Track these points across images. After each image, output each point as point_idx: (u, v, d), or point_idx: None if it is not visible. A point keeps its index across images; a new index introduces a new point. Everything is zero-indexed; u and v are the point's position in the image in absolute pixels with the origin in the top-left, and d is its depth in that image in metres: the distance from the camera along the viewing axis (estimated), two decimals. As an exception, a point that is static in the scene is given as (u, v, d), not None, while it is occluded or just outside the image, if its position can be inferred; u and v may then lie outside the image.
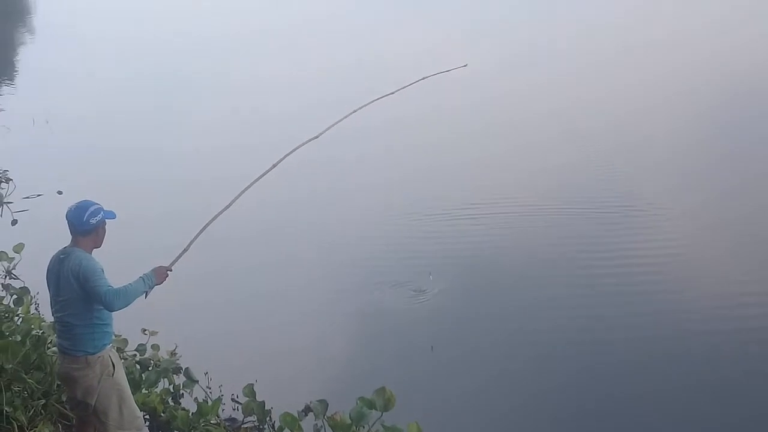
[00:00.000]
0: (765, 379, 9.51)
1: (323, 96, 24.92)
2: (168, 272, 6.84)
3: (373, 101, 8.85)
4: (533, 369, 10.04)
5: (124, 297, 6.49)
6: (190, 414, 7.87)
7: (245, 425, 8.09)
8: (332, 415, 7.30)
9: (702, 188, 16.69)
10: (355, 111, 8.71)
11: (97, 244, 6.77)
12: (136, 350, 8.82)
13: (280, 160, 7.84)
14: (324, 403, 7.47)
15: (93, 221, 6.63)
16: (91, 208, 6.66)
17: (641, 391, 9.42)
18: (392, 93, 9.26)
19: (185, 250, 7.11)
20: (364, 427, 7.29)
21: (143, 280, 6.67)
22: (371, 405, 7.30)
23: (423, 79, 9.53)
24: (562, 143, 20.27)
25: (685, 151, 19.61)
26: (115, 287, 6.50)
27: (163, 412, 8.05)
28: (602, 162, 18.77)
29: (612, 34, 35.71)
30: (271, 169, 7.80)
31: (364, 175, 18.73)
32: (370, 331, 10.93)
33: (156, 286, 6.76)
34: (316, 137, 8.13)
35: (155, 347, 8.84)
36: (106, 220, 6.76)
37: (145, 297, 6.72)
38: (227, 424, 8.20)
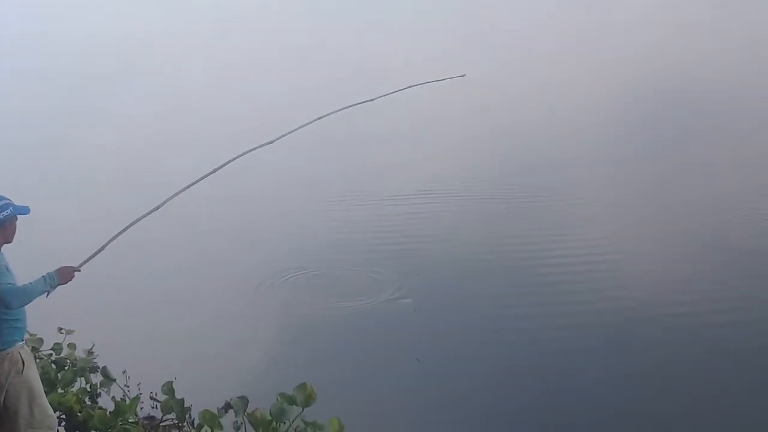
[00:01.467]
0: (685, 366, 9.74)
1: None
2: (75, 272, 6.68)
3: (337, 110, 8.54)
4: (457, 363, 10.15)
5: (22, 295, 6.36)
6: (108, 413, 7.76)
7: (164, 423, 8.01)
8: (252, 411, 7.31)
9: (628, 181, 17.20)
10: (317, 119, 8.35)
11: (7, 239, 6.61)
12: (52, 349, 8.64)
13: (222, 166, 7.54)
14: (244, 400, 7.47)
15: (0, 216, 6.48)
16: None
17: (567, 382, 9.55)
18: (370, 100, 8.94)
19: (99, 251, 6.95)
20: (284, 422, 7.32)
21: (45, 279, 6.51)
22: (292, 401, 7.34)
23: (408, 87, 9.31)
24: (490, 137, 20.71)
25: (611, 145, 20.18)
26: (14, 285, 6.37)
27: (80, 412, 7.92)
28: (532, 155, 19.25)
29: (540, 30, 36.42)
30: (210, 174, 7.58)
31: (285, 174, 18.71)
32: (291, 329, 10.94)
33: (60, 286, 6.59)
34: (270, 143, 7.80)
35: (71, 346, 8.68)
36: (18, 215, 6.61)
37: (47, 296, 6.57)
38: (146, 422, 8.10)
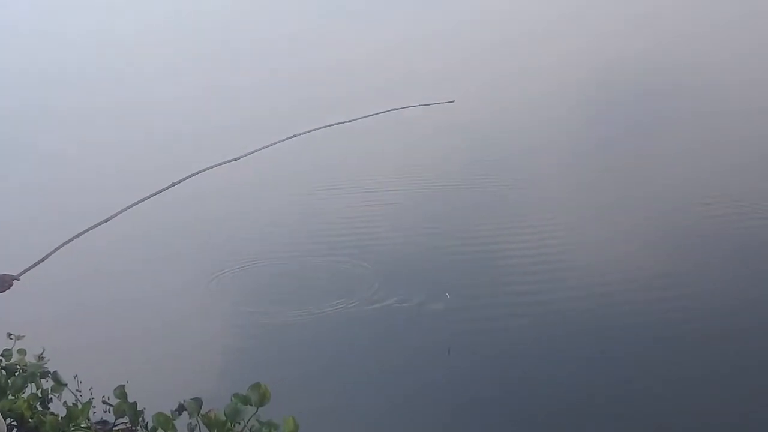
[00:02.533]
0: (638, 351, 9.89)
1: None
2: (14, 281, 6.55)
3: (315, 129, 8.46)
4: (415, 360, 10.21)
5: None
6: (60, 418, 7.69)
7: (117, 427, 7.97)
8: (206, 412, 7.29)
9: (584, 170, 17.47)
10: (290, 137, 8.23)
11: None
12: (1, 355, 8.51)
13: (182, 180, 7.41)
14: (198, 401, 7.44)
15: None
16: None
17: (529, 370, 9.66)
18: (348, 121, 8.86)
19: (41, 261, 6.82)
20: (239, 423, 7.32)
21: None
22: (246, 401, 7.33)
23: (394, 109, 9.24)
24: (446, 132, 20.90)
25: (568, 135, 20.48)
26: None
27: (32, 418, 7.83)
28: (492, 145, 19.47)
29: (497, 23, 36.75)
30: (169, 187, 7.48)
31: (235, 177, 18.61)
32: (245, 330, 10.92)
33: None
34: (236, 159, 7.65)
35: (21, 351, 8.56)
36: None
37: None
38: (98, 427, 8.05)
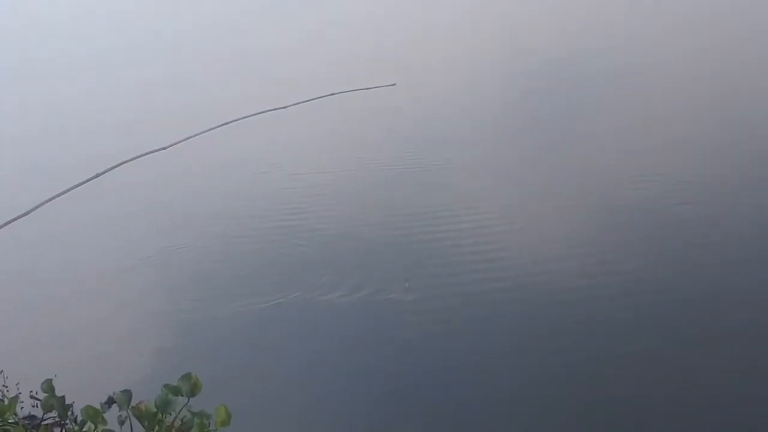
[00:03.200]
0: (579, 329, 10.04)
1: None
2: None
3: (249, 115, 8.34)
4: (350, 347, 10.28)
5: None
6: (-15, 415, 7.54)
7: (45, 422, 7.85)
8: (137, 404, 7.26)
9: (522, 151, 17.73)
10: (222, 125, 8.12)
11: None
12: None
13: (107, 170, 7.29)
14: (128, 393, 7.41)
15: None
16: None
17: (464, 353, 9.79)
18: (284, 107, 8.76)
19: None
20: (170, 414, 7.30)
21: None
22: (177, 391, 7.32)
23: (331, 94, 9.14)
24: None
25: (503, 117, 20.77)
26: None
27: (-45, 415, 7.66)
28: (428, 128, 19.62)
29: (431, 7, 36.90)
30: (93, 178, 7.35)
31: (171, 168, 18.42)
32: (175, 321, 10.83)
33: None
34: (164, 148, 7.53)
35: (-57, 349, 8.38)
36: None
37: None
38: (26, 422, 7.92)
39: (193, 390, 7.36)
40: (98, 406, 7.34)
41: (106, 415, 7.29)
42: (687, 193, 13.83)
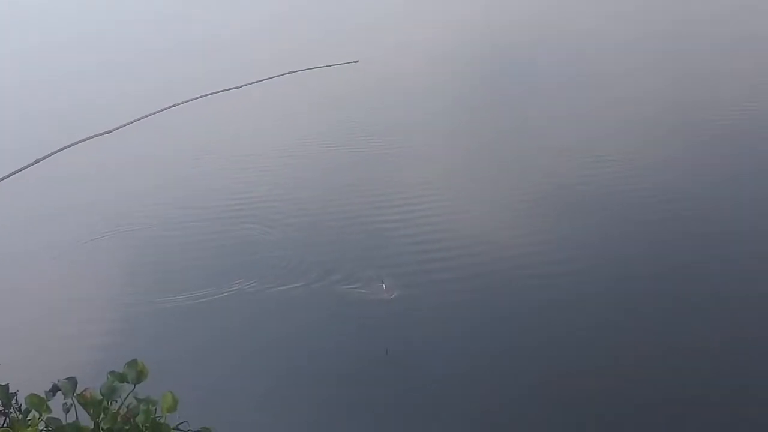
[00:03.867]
0: (531, 311, 10.07)
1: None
2: None
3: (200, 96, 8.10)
4: (304, 331, 10.22)
5: None
6: (-75, 405, 7.41)
7: (-11, 411, 7.74)
8: (82, 392, 7.21)
9: (469, 137, 17.85)
10: (173, 105, 7.88)
11: None
12: None
13: (50, 155, 7.08)
14: (73, 381, 7.35)
15: None
16: None
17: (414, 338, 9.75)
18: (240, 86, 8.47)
19: None
20: (116, 401, 7.27)
21: None
22: (123, 378, 7.29)
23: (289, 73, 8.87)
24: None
25: (453, 104, 20.89)
26: None
27: None
28: (380, 114, 19.68)
29: None
30: (33, 164, 7.17)
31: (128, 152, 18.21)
32: (123, 308, 10.73)
33: None
34: (108, 132, 7.30)
35: None
36: None
37: None
38: (-32, 412, 7.80)
39: (140, 377, 7.33)
40: (42, 395, 7.28)
41: (50, 403, 7.23)
42: (642, 173, 14.06)
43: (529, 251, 11.32)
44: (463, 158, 15.82)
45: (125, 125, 7.31)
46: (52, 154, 6.76)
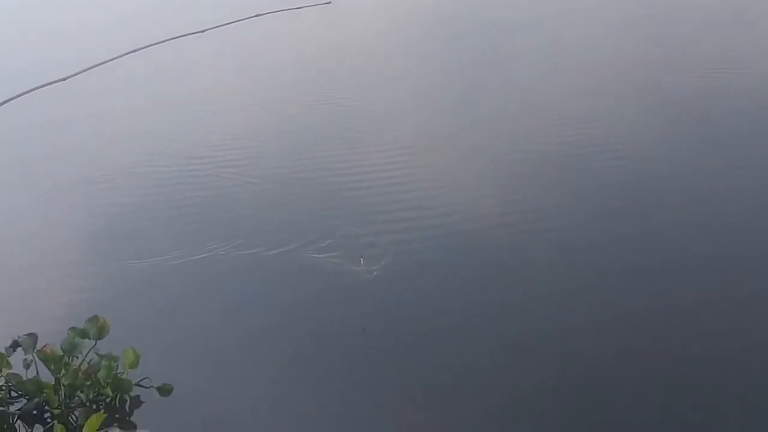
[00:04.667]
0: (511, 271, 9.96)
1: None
2: None
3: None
4: (263, 294, 10.05)
5: None
6: None
7: (-53, 367, 7.70)
8: (42, 347, 7.21)
9: (436, 99, 17.79)
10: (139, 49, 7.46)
11: None
12: None
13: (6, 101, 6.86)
14: (33, 337, 7.33)
15: None
16: None
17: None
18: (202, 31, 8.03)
19: None
20: (77, 357, 7.28)
21: None
22: (84, 334, 7.30)
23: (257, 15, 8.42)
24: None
25: (419, 64, 20.82)
26: None
27: None
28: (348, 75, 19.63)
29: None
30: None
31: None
32: (82, 260, 10.59)
33: None
34: (63, 79, 6.95)
35: None
36: None
37: None
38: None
39: (101, 332, 7.34)
40: (2, 350, 7.27)
41: (10, 359, 7.22)
42: (616, 138, 14.15)
43: (505, 210, 11.38)
44: (435, 116, 15.78)
45: (82, 72, 6.95)
46: (5, 102, 6.53)
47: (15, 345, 7.34)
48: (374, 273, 9.38)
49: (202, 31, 7.80)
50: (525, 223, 10.78)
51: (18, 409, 7.12)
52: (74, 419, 7.00)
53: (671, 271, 9.21)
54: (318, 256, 9.98)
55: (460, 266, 9.72)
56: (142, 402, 7.32)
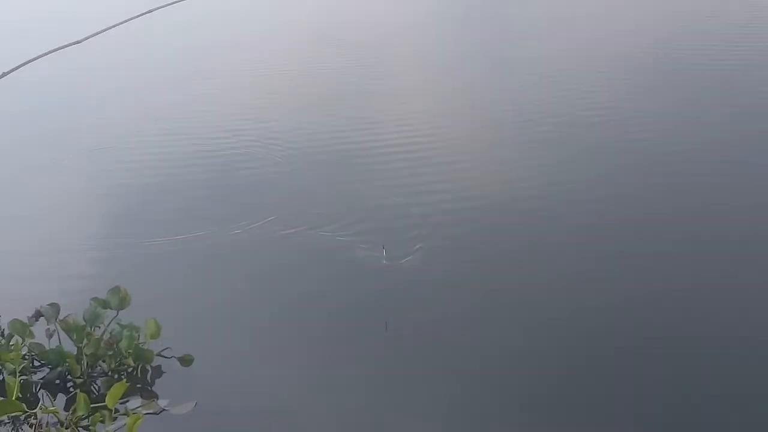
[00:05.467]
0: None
1: None
2: None
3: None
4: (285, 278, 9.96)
5: None
6: None
7: (-29, 336, 7.77)
8: (65, 318, 7.25)
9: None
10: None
11: None
12: None
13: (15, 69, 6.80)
14: (56, 307, 7.37)
15: None
16: None
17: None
18: None
19: None
20: (99, 327, 7.32)
21: None
22: (106, 305, 7.33)
23: None
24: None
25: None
26: None
27: None
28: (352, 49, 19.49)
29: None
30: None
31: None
32: (103, 231, 10.59)
33: None
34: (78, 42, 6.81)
35: None
36: None
37: None
38: (-49, 336, 7.83)
39: (122, 303, 7.37)
40: (25, 320, 7.32)
41: (33, 329, 7.28)
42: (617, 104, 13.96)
43: (510, 187, 11.27)
44: (462, 94, 15.59)
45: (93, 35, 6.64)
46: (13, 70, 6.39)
47: (37, 315, 7.39)
48: (393, 262, 9.25)
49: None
50: (556, 203, 10.62)
51: (41, 378, 7.18)
52: (96, 388, 7.04)
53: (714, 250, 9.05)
54: (342, 238, 9.90)
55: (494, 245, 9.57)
56: (163, 372, 7.35)
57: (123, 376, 7.06)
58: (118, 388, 6.15)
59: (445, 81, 16.78)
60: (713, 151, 12.07)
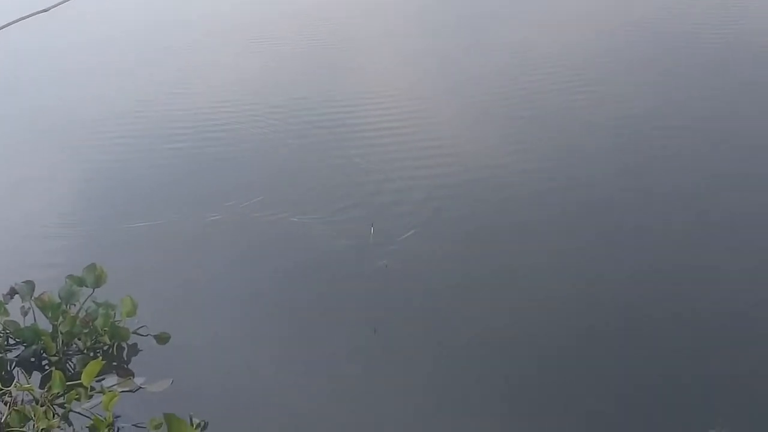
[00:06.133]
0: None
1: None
2: None
3: None
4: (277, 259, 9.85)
5: None
6: None
7: (-55, 314, 7.71)
8: (40, 295, 7.21)
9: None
10: None
11: None
12: None
13: None
14: (30, 284, 7.32)
15: None
16: None
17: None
18: None
19: None
20: (74, 305, 7.29)
21: None
22: (81, 282, 7.31)
23: None
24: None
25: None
26: None
27: None
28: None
29: None
30: None
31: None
32: (79, 210, 10.51)
33: None
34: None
35: None
36: None
37: None
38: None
39: (98, 281, 7.34)
40: (0, 298, 7.27)
41: (8, 307, 7.23)
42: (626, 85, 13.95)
43: (493, 160, 11.26)
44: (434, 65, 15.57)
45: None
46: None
47: (12, 292, 7.33)
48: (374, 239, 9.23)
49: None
50: (550, 181, 10.62)
51: (16, 356, 7.16)
52: (72, 366, 7.03)
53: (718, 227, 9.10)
54: (324, 219, 9.88)
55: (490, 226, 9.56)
56: (139, 350, 7.34)
57: (99, 354, 7.05)
58: (93, 366, 6.14)
59: (427, 61, 16.73)
60: (703, 124, 12.11)
